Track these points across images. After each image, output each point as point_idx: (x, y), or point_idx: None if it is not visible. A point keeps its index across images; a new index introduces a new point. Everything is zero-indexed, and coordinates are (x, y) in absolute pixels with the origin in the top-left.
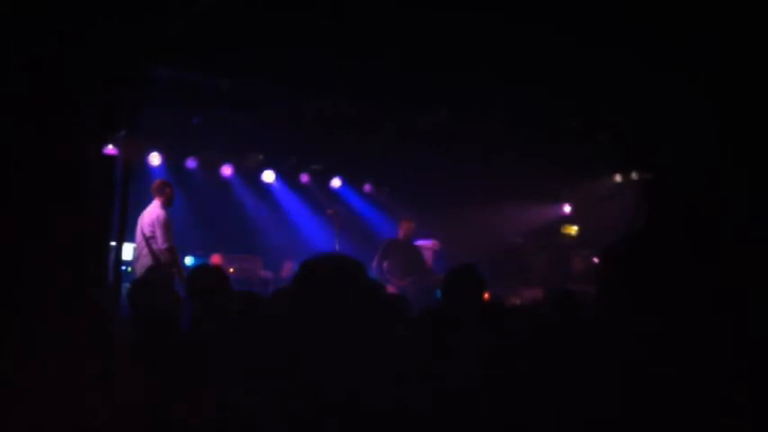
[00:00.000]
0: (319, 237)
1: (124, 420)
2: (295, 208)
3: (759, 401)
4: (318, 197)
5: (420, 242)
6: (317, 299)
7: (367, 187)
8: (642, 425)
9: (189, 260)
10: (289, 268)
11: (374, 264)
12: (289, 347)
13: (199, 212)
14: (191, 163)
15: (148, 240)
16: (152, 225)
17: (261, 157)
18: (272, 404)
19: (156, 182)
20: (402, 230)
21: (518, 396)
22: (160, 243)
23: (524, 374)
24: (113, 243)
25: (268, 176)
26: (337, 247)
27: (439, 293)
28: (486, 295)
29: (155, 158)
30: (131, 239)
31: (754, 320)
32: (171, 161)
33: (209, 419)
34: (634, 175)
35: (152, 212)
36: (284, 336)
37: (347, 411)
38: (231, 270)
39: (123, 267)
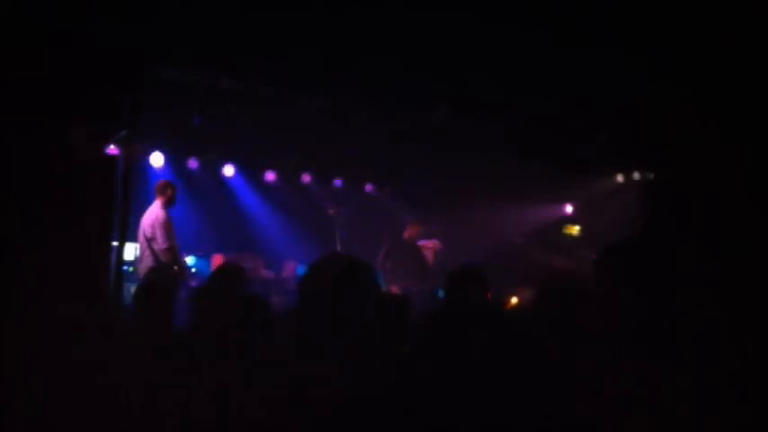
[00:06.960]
0: (321, 237)
1: (124, 420)
2: (295, 208)
3: (759, 401)
4: (320, 197)
5: (421, 242)
6: (323, 300)
7: (368, 187)
8: (642, 424)
9: (190, 260)
10: (290, 268)
11: (377, 264)
12: (292, 348)
13: (200, 212)
14: (192, 163)
15: (150, 241)
16: (152, 226)
17: (262, 157)
18: (272, 405)
19: (159, 182)
20: (407, 232)
21: (520, 396)
22: (160, 243)
23: (526, 374)
24: (115, 243)
25: (268, 176)
26: (339, 248)
27: (441, 293)
28: (489, 295)
29: (157, 159)
30: (133, 240)
31: (753, 320)
32: (173, 161)
33: (210, 420)
34: (635, 175)
35: (152, 213)
36: (287, 336)
37: (348, 412)
38: None
39: (125, 268)
